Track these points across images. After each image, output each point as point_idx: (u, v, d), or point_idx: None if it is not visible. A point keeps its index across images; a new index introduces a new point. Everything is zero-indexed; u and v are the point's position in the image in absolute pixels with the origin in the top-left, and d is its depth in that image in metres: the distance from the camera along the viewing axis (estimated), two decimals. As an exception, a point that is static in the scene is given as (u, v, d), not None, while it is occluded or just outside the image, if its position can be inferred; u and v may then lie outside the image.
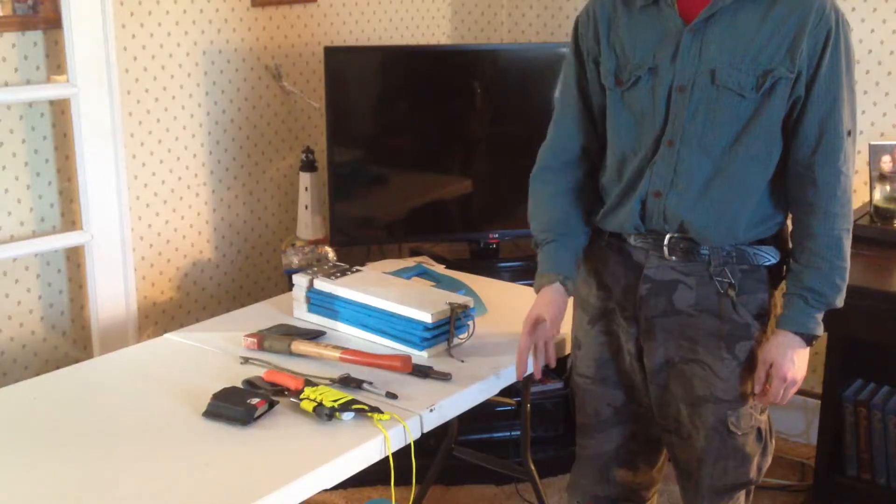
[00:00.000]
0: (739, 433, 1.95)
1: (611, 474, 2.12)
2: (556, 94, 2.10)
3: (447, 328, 2.12)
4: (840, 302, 1.89)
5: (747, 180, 1.86)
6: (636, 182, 1.91)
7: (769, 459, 2.03)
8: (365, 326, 2.19)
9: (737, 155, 1.84)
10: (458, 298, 2.19)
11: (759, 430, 1.98)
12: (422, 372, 1.99)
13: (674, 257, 1.91)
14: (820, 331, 1.89)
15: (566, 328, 2.11)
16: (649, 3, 1.88)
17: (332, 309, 2.24)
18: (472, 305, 2.18)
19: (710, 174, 1.86)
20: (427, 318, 2.09)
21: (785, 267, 1.94)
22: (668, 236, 1.90)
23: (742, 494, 2.04)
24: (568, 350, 2.18)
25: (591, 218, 2.03)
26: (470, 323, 2.16)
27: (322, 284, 2.26)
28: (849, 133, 1.84)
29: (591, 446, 2.12)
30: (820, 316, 1.89)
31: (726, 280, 1.89)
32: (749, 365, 1.92)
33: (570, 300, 2.05)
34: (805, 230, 1.87)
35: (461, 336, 2.15)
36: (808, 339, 1.89)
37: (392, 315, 2.14)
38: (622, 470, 2.12)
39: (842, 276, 1.88)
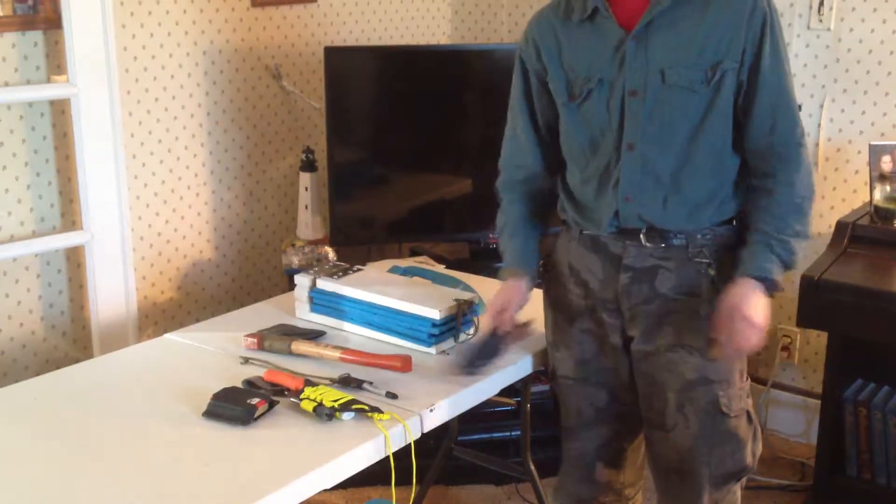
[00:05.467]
0: (732, 415, 1.96)
1: (595, 474, 2.14)
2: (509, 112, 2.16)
3: (454, 324, 2.13)
4: (795, 264, 1.90)
5: (710, 170, 1.92)
6: (605, 187, 1.96)
7: (760, 446, 2.05)
8: (371, 325, 2.20)
9: (698, 147, 1.90)
10: (463, 295, 2.20)
11: (748, 413, 2.00)
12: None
13: (650, 244, 1.94)
14: (780, 277, 1.88)
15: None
16: (585, 17, 1.95)
17: (337, 308, 2.24)
18: (477, 301, 2.19)
19: (675, 170, 1.92)
20: (435, 314, 2.10)
21: None
22: (644, 228, 1.94)
23: (738, 487, 2.05)
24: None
25: (549, 220, 2.14)
26: (475, 319, 2.17)
27: (325, 284, 2.26)
28: (799, 108, 1.94)
29: (576, 448, 2.14)
30: (780, 267, 1.88)
31: (705, 260, 1.93)
32: None
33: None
34: (767, 198, 1.91)
35: (467, 332, 2.15)
36: (768, 287, 1.87)
37: (399, 313, 2.15)
38: (607, 468, 2.14)
39: (802, 237, 1.90)
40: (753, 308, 1.85)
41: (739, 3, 1.87)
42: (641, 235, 1.93)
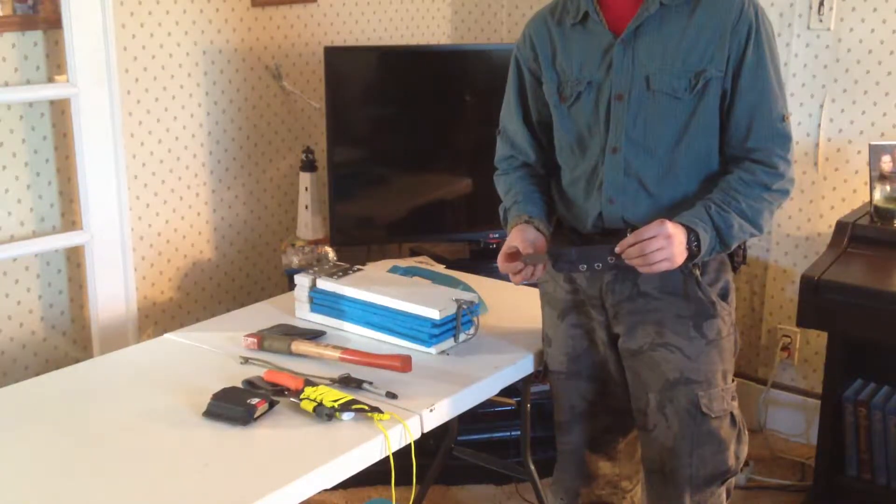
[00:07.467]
0: (713, 416, 1.96)
1: (590, 467, 2.15)
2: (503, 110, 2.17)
3: (454, 324, 2.13)
4: (730, 240, 1.87)
5: (694, 175, 1.93)
6: (592, 189, 1.97)
7: (745, 448, 2.05)
8: (371, 325, 2.20)
9: (681, 153, 1.91)
10: (463, 295, 2.20)
11: (731, 414, 2.00)
12: None
13: None
14: (704, 238, 1.83)
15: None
16: (578, 20, 1.97)
17: (337, 308, 2.25)
18: (476, 301, 2.19)
19: (658, 175, 1.92)
20: (435, 314, 2.10)
21: (742, 251, 2.00)
22: (628, 230, 1.93)
23: (722, 490, 2.04)
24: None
25: (552, 198, 2.09)
26: (475, 319, 2.17)
27: (325, 284, 2.26)
28: (783, 118, 1.91)
29: (570, 441, 2.15)
30: (710, 230, 1.84)
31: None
32: (717, 344, 1.95)
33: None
34: (727, 177, 1.90)
35: (468, 332, 2.15)
36: (690, 239, 1.82)
37: (399, 313, 2.15)
38: (601, 461, 2.15)
39: (749, 221, 1.87)
40: (673, 234, 1.80)
41: (725, 12, 1.87)
42: (628, 233, 1.92)
